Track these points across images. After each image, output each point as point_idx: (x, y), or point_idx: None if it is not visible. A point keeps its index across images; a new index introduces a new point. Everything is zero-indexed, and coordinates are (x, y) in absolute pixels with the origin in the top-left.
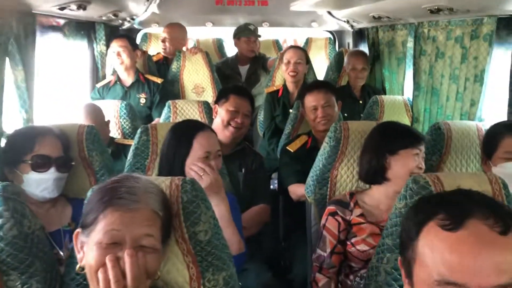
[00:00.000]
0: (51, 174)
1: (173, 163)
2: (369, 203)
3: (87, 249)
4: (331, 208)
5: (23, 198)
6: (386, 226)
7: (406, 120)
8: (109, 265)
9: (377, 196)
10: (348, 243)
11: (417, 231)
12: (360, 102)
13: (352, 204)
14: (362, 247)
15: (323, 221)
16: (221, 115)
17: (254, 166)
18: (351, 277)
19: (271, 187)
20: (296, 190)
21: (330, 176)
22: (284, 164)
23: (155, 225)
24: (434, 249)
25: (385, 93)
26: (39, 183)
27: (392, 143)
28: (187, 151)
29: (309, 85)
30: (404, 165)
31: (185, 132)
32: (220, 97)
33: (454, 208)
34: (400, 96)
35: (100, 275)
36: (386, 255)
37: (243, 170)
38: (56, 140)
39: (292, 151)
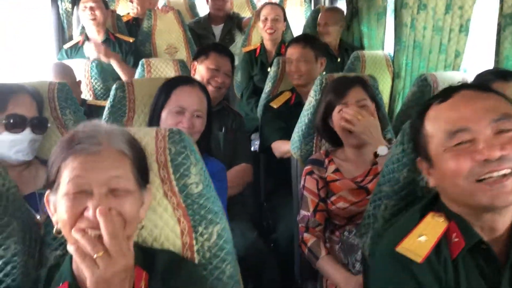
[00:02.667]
0: (26, 135)
1: (152, 116)
2: (343, 160)
3: (58, 207)
4: (307, 168)
5: None
6: (383, 173)
7: (387, 76)
8: (77, 236)
9: (349, 152)
10: (328, 201)
11: (421, 120)
12: (338, 60)
13: (326, 162)
14: (341, 204)
15: (302, 182)
16: (200, 72)
17: (234, 126)
18: (337, 233)
19: (251, 148)
20: (280, 147)
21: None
22: (267, 121)
23: (123, 166)
24: (437, 119)
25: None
26: (13, 145)
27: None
28: (164, 103)
29: (292, 38)
30: (337, 126)
31: (168, 84)
32: (200, 54)
33: (444, 91)
34: (381, 51)
35: (75, 238)
36: (384, 201)
37: (223, 129)
38: (30, 99)
39: (275, 107)
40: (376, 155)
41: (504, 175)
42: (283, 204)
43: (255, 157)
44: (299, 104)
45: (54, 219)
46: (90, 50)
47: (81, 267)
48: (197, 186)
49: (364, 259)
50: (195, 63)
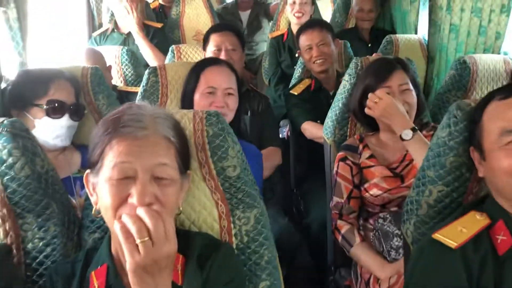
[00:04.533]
0: (65, 121)
1: (183, 100)
2: (379, 145)
3: (99, 190)
4: (340, 154)
5: (32, 137)
6: (427, 157)
7: (421, 60)
8: (125, 220)
9: (386, 137)
10: (362, 188)
11: (481, 113)
12: (369, 45)
13: (361, 147)
14: (374, 191)
15: (335, 168)
16: None
17: (261, 109)
18: (371, 220)
19: (280, 135)
20: (312, 128)
21: (351, 115)
22: (293, 105)
23: (169, 153)
24: (496, 115)
25: None
26: (53, 130)
27: (365, 89)
28: (195, 85)
29: (302, 25)
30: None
31: (197, 66)
32: (204, 41)
33: (508, 86)
34: (415, 35)
35: (118, 225)
36: (428, 187)
37: (249, 113)
38: (70, 85)
39: (296, 94)
40: (402, 138)
41: None
42: (314, 190)
43: (284, 143)
44: (320, 90)
45: (93, 199)
46: (124, 21)
47: (123, 249)
48: (234, 169)
49: (406, 245)
50: (205, 52)
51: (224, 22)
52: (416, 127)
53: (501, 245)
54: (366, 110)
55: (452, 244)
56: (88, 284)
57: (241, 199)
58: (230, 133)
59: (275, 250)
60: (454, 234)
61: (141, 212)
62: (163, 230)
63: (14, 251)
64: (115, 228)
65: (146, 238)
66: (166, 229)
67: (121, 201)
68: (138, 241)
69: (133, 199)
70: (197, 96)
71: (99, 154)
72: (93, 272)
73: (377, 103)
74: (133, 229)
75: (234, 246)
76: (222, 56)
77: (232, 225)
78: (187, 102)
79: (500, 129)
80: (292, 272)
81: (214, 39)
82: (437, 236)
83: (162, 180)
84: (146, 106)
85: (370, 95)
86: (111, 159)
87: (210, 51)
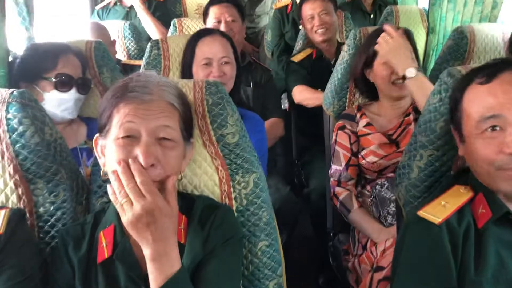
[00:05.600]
0: (72, 94)
1: (183, 73)
2: (376, 113)
3: (107, 151)
4: (339, 123)
5: (40, 107)
6: (419, 123)
7: (421, 31)
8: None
9: (384, 105)
10: (359, 156)
11: (461, 95)
12: (371, 16)
13: (358, 116)
14: (371, 158)
15: (334, 137)
16: None
17: (263, 80)
18: (368, 187)
19: (282, 106)
20: (302, 92)
21: (349, 86)
22: (291, 72)
23: (173, 117)
24: (475, 100)
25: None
26: (61, 103)
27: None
28: (192, 58)
29: None
30: (378, 77)
31: (191, 39)
32: (204, 15)
33: (488, 68)
34: (415, 6)
35: (109, 189)
36: (419, 151)
37: (251, 84)
38: (77, 60)
39: (296, 61)
40: (404, 77)
41: None
42: (315, 160)
43: (286, 115)
44: (321, 58)
45: (101, 161)
46: None
47: (117, 208)
48: (233, 136)
49: (398, 208)
50: (205, 26)
51: None
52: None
53: (480, 218)
54: (376, 47)
55: (436, 220)
56: (97, 243)
57: (240, 164)
58: (229, 102)
59: (273, 212)
60: (438, 210)
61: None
62: (135, 189)
63: (27, 215)
64: (108, 188)
65: (125, 200)
66: (143, 188)
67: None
68: (122, 202)
69: (140, 159)
70: (195, 69)
71: (107, 117)
72: (101, 232)
73: (388, 42)
74: (116, 192)
75: (234, 209)
76: (222, 28)
77: (232, 189)
78: (186, 75)
79: (478, 115)
80: (293, 240)
81: (213, 11)
82: (422, 213)
83: (165, 141)
84: (153, 74)
85: (383, 34)
86: (117, 120)
87: (210, 24)
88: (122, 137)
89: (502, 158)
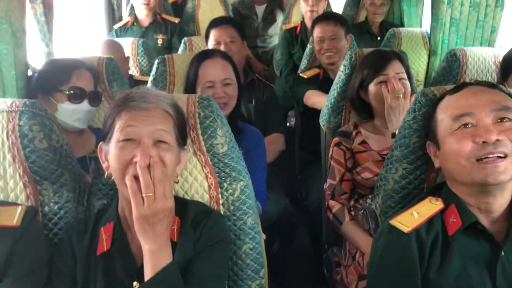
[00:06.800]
0: (84, 106)
1: (186, 90)
2: (372, 132)
3: (110, 155)
4: (335, 139)
5: (50, 116)
6: (396, 139)
7: (423, 53)
8: (140, 171)
9: (379, 124)
10: (354, 172)
11: (434, 108)
12: (378, 38)
13: (354, 133)
14: (366, 175)
15: (330, 153)
16: None
17: (265, 97)
18: (361, 202)
19: (287, 124)
20: (313, 95)
21: (345, 104)
22: (298, 83)
23: (168, 123)
24: (447, 106)
25: None
26: (73, 113)
27: (363, 79)
28: (195, 79)
29: (319, 15)
30: (373, 98)
31: (193, 61)
32: (206, 38)
33: (460, 84)
34: (418, 28)
35: (128, 182)
36: (395, 165)
37: (253, 101)
38: (89, 74)
39: (306, 77)
40: (393, 135)
41: (499, 157)
42: (314, 174)
43: (291, 132)
44: (327, 80)
45: (104, 165)
46: None
47: (132, 201)
48: (222, 147)
49: (376, 218)
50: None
51: (222, 16)
52: None
53: (451, 226)
54: (383, 89)
55: (405, 228)
56: (97, 238)
57: (228, 172)
58: (220, 115)
59: (258, 218)
60: (408, 219)
61: (155, 168)
62: (163, 189)
63: None
64: (127, 183)
65: (150, 194)
66: (166, 189)
67: (127, 162)
68: (144, 194)
69: (137, 159)
70: (199, 89)
71: (110, 124)
72: (102, 228)
73: (399, 98)
74: (142, 183)
75: (222, 213)
76: (222, 49)
77: (220, 195)
78: (189, 93)
79: (451, 116)
80: (291, 251)
81: (213, 34)
82: (393, 222)
83: (162, 144)
84: (151, 88)
85: (400, 85)
86: (119, 126)
87: (211, 46)
88: (123, 140)
89: (475, 147)
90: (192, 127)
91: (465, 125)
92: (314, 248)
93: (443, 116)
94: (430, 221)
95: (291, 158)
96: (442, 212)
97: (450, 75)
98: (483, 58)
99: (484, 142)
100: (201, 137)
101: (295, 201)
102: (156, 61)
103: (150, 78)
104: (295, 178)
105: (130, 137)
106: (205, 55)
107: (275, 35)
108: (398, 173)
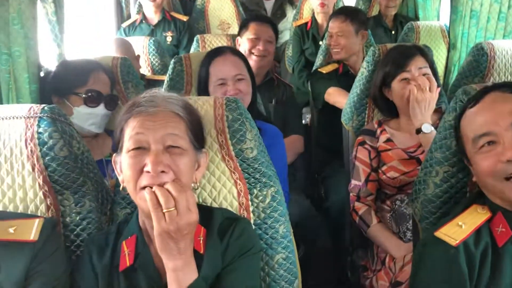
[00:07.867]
0: (100, 110)
1: (199, 91)
2: (397, 129)
3: (122, 165)
4: (359, 138)
5: (69, 121)
6: (435, 139)
7: (442, 47)
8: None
9: (404, 122)
10: (379, 171)
11: (459, 122)
12: (392, 32)
13: (378, 131)
14: (392, 174)
15: (354, 152)
16: (243, 45)
17: (285, 97)
18: (388, 202)
19: (303, 121)
20: (336, 92)
21: (368, 102)
22: (317, 79)
23: (179, 126)
24: (468, 123)
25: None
26: (89, 117)
27: (385, 76)
28: (207, 78)
29: (335, 10)
30: (397, 96)
31: (205, 59)
32: (241, 28)
33: (477, 93)
34: (436, 22)
35: (147, 195)
36: (435, 168)
37: (273, 101)
38: (106, 77)
39: (324, 72)
40: (418, 131)
41: None
42: (334, 174)
43: (306, 130)
44: (347, 74)
45: (120, 178)
46: None
47: (152, 216)
48: (252, 151)
49: (415, 223)
50: (238, 38)
51: (264, 15)
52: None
53: (500, 237)
54: (410, 86)
55: (453, 241)
56: (119, 252)
57: (258, 178)
58: (248, 118)
59: (290, 225)
60: (455, 230)
61: (169, 186)
62: (186, 202)
63: None
64: (146, 197)
65: (172, 208)
66: (189, 201)
67: (139, 172)
68: (165, 210)
69: (148, 168)
70: (211, 88)
71: (120, 132)
72: (124, 242)
73: (424, 91)
74: (161, 199)
75: (252, 222)
76: (260, 45)
77: (250, 203)
78: (202, 92)
79: (472, 136)
80: (312, 253)
81: (253, 27)
82: (439, 234)
83: (174, 149)
84: (160, 91)
85: (424, 79)
86: (128, 134)
87: (247, 38)
88: (133, 149)
89: (501, 166)
90: (220, 131)
91: (488, 142)
92: (337, 250)
93: (467, 134)
94: (478, 232)
95: (306, 157)
96: (488, 221)
97: (477, 69)
98: (511, 52)
99: (508, 160)
100: (229, 142)
101: (313, 202)
102: (173, 61)
103: (166, 79)
104: (312, 177)
105: (139, 146)
106: (215, 53)
107: (285, 30)
108: (439, 176)
